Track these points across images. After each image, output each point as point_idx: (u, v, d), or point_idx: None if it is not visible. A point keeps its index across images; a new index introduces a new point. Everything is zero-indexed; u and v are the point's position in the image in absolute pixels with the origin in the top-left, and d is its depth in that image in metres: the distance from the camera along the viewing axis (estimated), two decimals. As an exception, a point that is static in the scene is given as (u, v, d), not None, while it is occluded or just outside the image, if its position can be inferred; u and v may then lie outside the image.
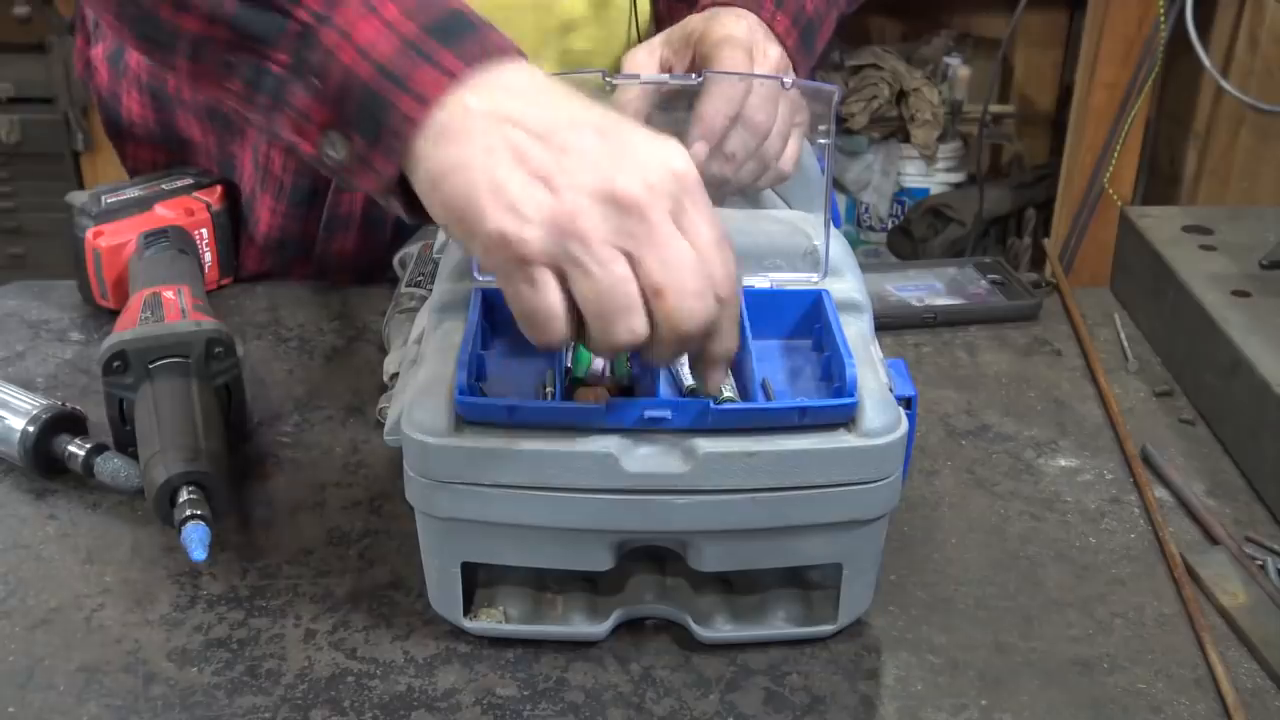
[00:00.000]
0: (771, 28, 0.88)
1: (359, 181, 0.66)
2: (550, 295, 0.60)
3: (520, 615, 0.73)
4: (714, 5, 0.88)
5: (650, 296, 0.60)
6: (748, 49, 0.83)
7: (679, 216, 0.60)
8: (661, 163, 0.61)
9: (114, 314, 0.98)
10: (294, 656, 0.71)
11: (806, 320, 0.75)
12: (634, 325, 0.60)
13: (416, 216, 0.68)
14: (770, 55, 0.85)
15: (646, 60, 0.87)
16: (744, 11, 0.87)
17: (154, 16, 0.70)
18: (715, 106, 0.79)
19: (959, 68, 2.60)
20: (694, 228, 0.61)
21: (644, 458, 0.66)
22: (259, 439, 0.91)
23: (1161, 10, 2.02)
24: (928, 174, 2.65)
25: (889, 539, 0.72)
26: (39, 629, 0.73)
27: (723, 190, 0.83)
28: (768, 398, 0.68)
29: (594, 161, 0.60)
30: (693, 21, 0.87)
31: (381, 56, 0.64)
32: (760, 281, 0.75)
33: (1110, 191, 2.16)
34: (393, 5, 0.65)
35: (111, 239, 1.04)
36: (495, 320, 0.74)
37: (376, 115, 0.64)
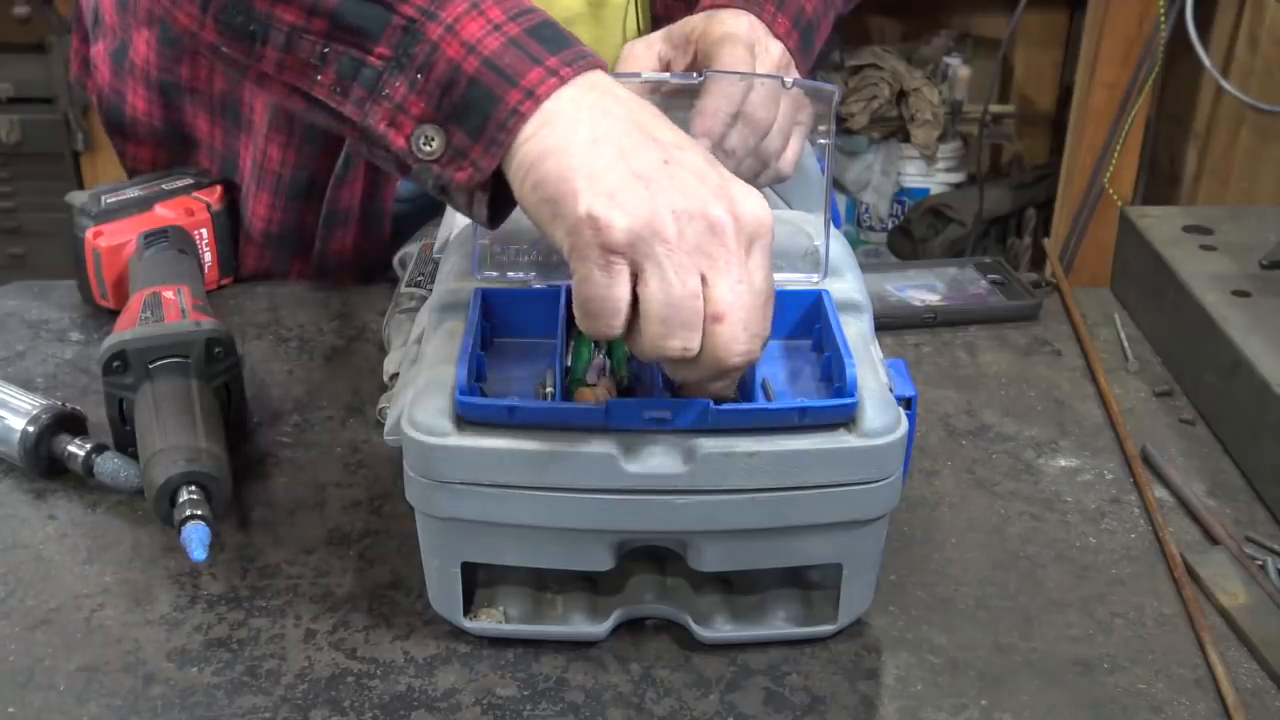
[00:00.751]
0: (772, 29, 0.88)
1: (452, 174, 0.67)
2: (620, 287, 0.61)
3: (520, 615, 0.73)
4: (714, 5, 0.88)
5: (710, 319, 0.62)
6: (749, 45, 0.83)
7: (750, 257, 0.63)
8: (751, 203, 0.63)
9: (114, 314, 0.98)
10: (294, 656, 0.71)
11: (806, 320, 0.75)
12: (689, 340, 0.62)
13: (496, 221, 0.70)
14: (772, 52, 0.85)
15: (644, 53, 0.87)
16: (744, 10, 0.87)
17: (250, 7, 0.70)
18: (716, 104, 0.79)
19: (959, 68, 2.60)
20: (758, 271, 0.63)
21: (644, 458, 0.65)
22: (259, 439, 0.91)
23: (1161, 10, 2.02)
24: (928, 174, 2.64)
25: (889, 539, 0.72)
26: (39, 629, 0.73)
27: None
28: (768, 398, 0.68)
29: (695, 180, 0.63)
30: (693, 20, 0.87)
31: (489, 52, 0.66)
32: (760, 281, 0.75)
33: (1110, 191, 2.16)
34: (497, 8, 0.67)
35: (111, 239, 1.04)
36: (495, 320, 0.74)
37: (484, 109, 0.65)
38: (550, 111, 0.65)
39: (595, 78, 0.66)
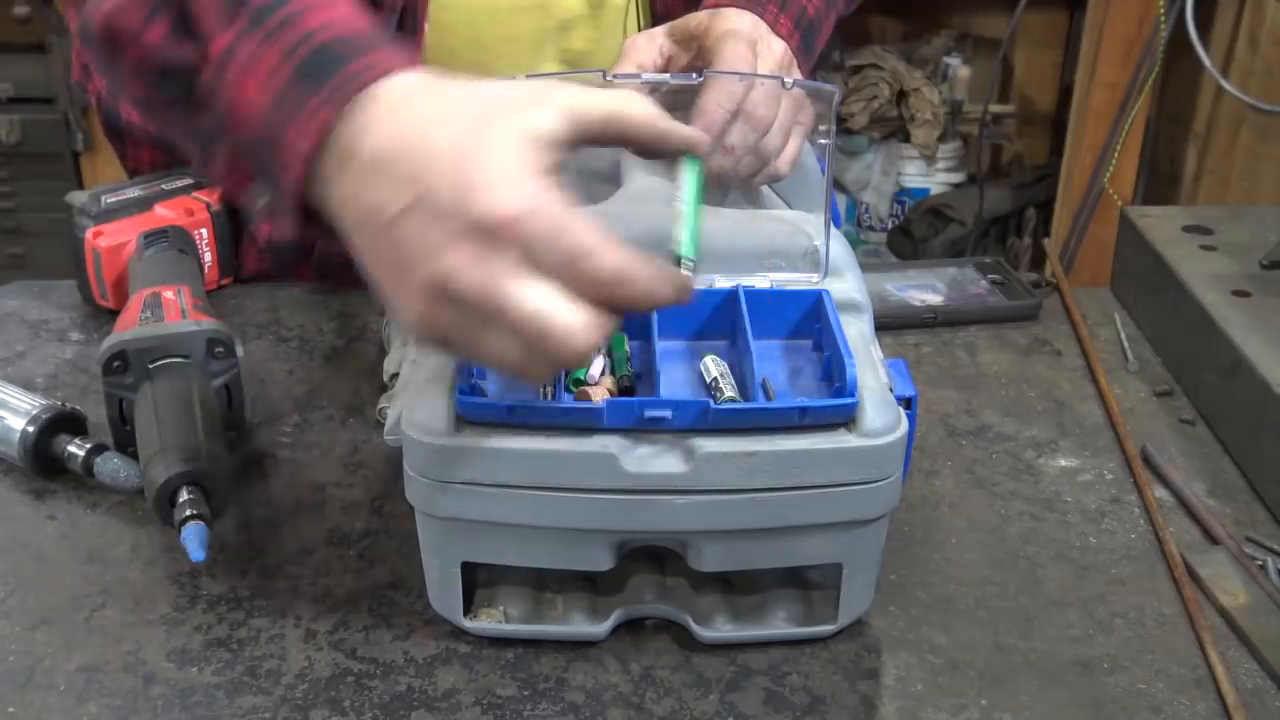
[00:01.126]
0: (774, 30, 0.88)
1: (285, 229, 0.67)
2: (472, 352, 0.60)
3: (520, 615, 0.73)
4: (718, 4, 0.88)
5: (533, 343, 0.59)
6: (751, 42, 0.83)
7: (503, 268, 0.58)
8: (496, 199, 0.58)
9: (114, 314, 0.98)
10: (294, 656, 0.71)
11: (807, 320, 0.75)
12: (541, 372, 0.60)
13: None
14: (775, 49, 0.86)
15: (646, 46, 0.87)
16: (746, 10, 0.87)
17: (112, 79, 0.75)
18: (716, 101, 0.79)
19: (959, 68, 2.60)
20: (514, 291, 0.58)
21: (644, 458, 0.66)
22: (259, 439, 0.91)
23: (1161, 10, 2.02)
24: (928, 174, 2.65)
25: (889, 539, 0.72)
26: (39, 629, 0.73)
27: (722, 183, 0.83)
28: (768, 398, 0.68)
29: (427, 241, 0.58)
30: (697, 16, 0.87)
31: (262, 113, 0.64)
32: (760, 281, 0.75)
33: (1110, 191, 2.16)
34: (273, 51, 0.65)
35: (111, 239, 1.03)
36: None
37: (271, 173, 0.65)
38: (324, 176, 0.63)
39: (359, 109, 0.62)
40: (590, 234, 0.58)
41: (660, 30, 0.88)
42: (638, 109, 0.63)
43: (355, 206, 0.61)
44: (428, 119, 0.60)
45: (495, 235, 0.57)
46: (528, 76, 0.73)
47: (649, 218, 0.76)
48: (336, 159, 0.62)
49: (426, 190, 0.58)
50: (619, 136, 0.63)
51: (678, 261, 0.65)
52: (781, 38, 0.88)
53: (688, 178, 0.66)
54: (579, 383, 0.70)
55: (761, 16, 0.87)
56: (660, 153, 0.65)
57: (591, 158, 0.85)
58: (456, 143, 0.58)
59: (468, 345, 0.60)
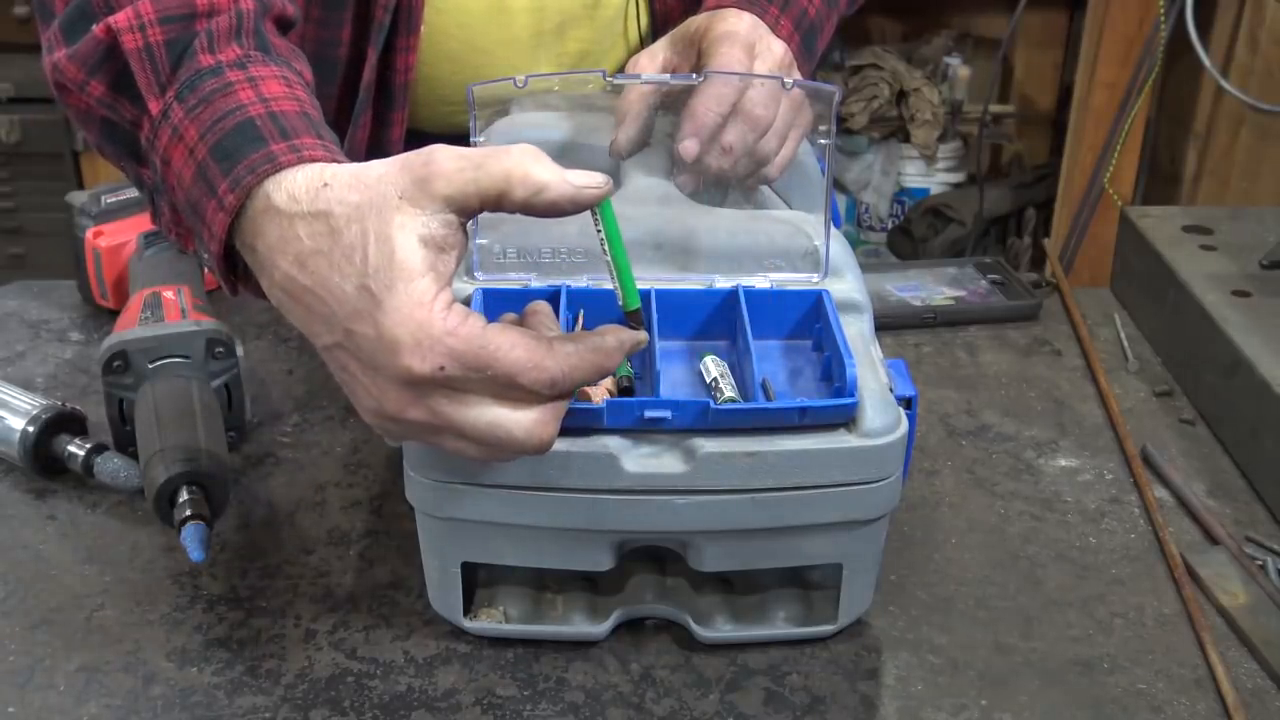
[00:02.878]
0: (775, 32, 0.88)
1: (229, 288, 0.69)
2: (474, 432, 0.60)
3: (520, 615, 0.73)
4: (718, 5, 0.88)
5: (492, 451, 0.60)
6: (748, 45, 0.83)
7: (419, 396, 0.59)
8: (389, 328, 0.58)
9: (114, 314, 0.98)
10: (294, 656, 0.71)
11: (807, 320, 0.75)
12: (502, 457, 0.61)
13: None
14: (774, 50, 0.85)
15: (649, 66, 0.87)
16: (746, 11, 0.87)
17: (73, 119, 0.75)
18: (707, 105, 0.79)
19: (959, 68, 2.60)
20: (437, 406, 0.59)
21: (644, 458, 0.66)
22: (259, 439, 0.91)
23: (1161, 10, 2.02)
24: (928, 174, 2.65)
25: (889, 539, 0.72)
26: (39, 629, 0.73)
27: (720, 184, 0.83)
28: (768, 398, 0.68)
29: (359, 381, 0.60)
30: (696, 20, 0.87)
31: (185, 185, 0.66)
32: (760, 281, 0.75)
33: (1110, 191, 2.16)
34: (193, 127, 0.66)
35: (111, 239, 1.04)
36: (495, 320, 0.74)
37: (200, 240, 0.66)
38: (239, 242, 0.64)
39: (261, 201, 0.62)
40: (515, 353, 0.58)
41: (661, 44, 0.88)
42: (537, 175, 0.59)
43: (286, 313, 0.62)
44: (318, 253, 0.59)
45: (424, 386, 0.58)
46: (526, 78, 0.73)
47: (649, 218, 0.76)
48: (252, 252, 0.63)
49: (347, 337, 0.59)
50: (519, 207, 0.59)
51: (631, 315, 0.66)
52: (782, 39, 0.87)
53: (605, 226, 0.64)
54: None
55: (762, 18, 0.87)
56: (570, 213, 0.61)
57: (590, 158, 0.85)
58: (359, 291, 0.58)
59: (426, 443, 0.61)
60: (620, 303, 0.65)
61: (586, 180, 0.60)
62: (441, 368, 0.57)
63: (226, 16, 0.70)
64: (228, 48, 0.69)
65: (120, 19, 0.69)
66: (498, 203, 0.59)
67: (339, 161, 0.63)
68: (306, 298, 0.60)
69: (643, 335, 0.63)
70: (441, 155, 0.59)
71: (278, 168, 0.62)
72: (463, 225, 0.60)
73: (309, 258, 0.59)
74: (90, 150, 2.47)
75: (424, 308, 0.57)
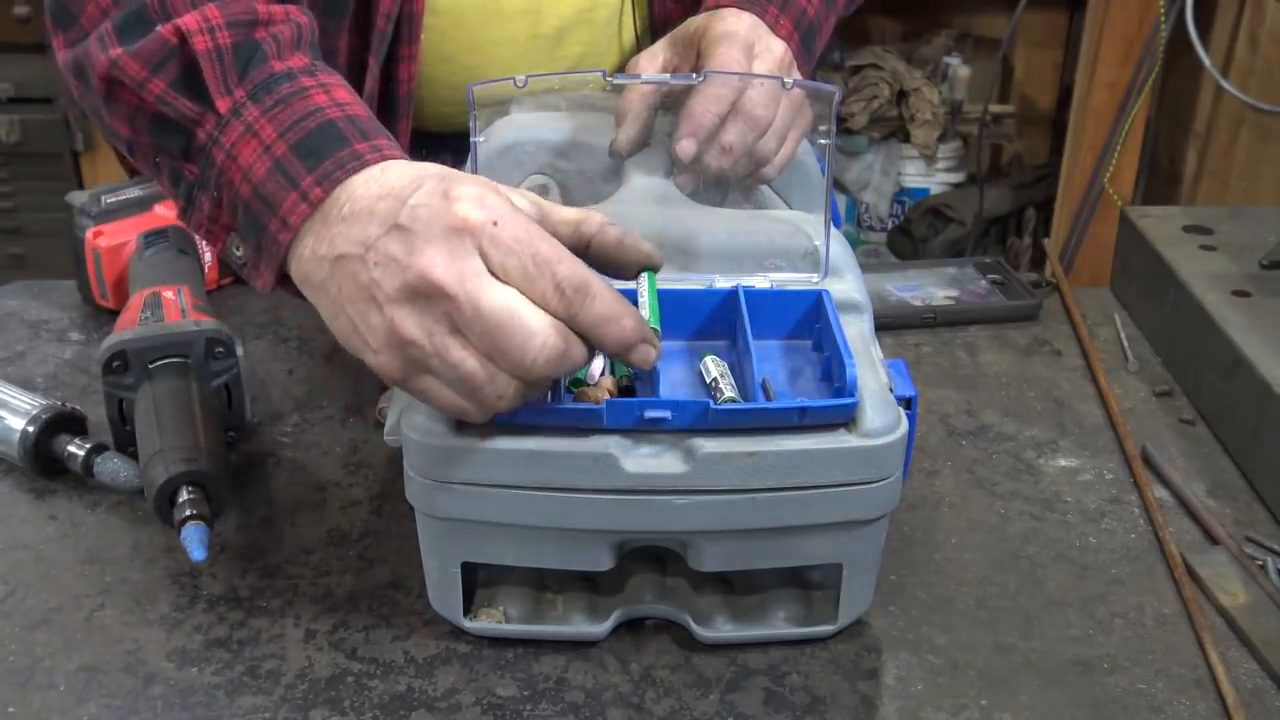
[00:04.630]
0: (774, 31, 0.87)
1: (254, 280, 0.72)
2: (442, 393, 0.63)
3: (520, 615, 0.73)
4: (717, 5, 0.88)
5: (498, 362, 0.62)
6: (746, 46, 0.83)
7: (479, 285, 0.61)
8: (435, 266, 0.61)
9: (114, 314, 0.98)
10: (294, 656, 0.71)
11: (807, 320, 0.75)
12: (499, 392, 0.62)
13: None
14: (774, 49, 0.85)
15: (649, 66, 0.87)
16: (746, 11, 0.87)
17: (99, 115, 0.78)
18: (705, 105, 0.79)
19: (959, 68, 2.60)
20: (500, 277, 0.61)
21: (644, 458, 0.66)
22: (259, 439, 0.91)
23: (1161, 10, 2.02)
24: (928, 174, 2.65)
25: (889, 539, 0.72)
26: (39, 629, 0.73)
27: (720, 184, 0.83)
28: (768, 398, 0.68)
29: (396, 261, 0.62)
30: (695, 20, 0.87)
31: (257, 178, 0.69)
32: (760, 281, 0.75)
33: (1110, 191, 2.16)
34: (270, 126, 0.70)
35: (111, 239, 1.04)
36: None
37: (258, 232, 0.69)
38: (306, 248, 0.67)
39: (347, 189, 0.66)
40: (558, 247, 0.61)
41: (660, 45, 0.88)
42: (597, 227, 0.65)
43: (316, 271, 0.66)
44: (387, 197, 0.64)
45: (466, 239, 0.61)
46: (526, 78, 0.73)
47: (649, 218, 0.76)
48: (314, 224, 0.67)
49: (407, 213, 0.62)
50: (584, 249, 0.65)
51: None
52: (781, 38, 0.87)
53: (648, 291, 0.68)
54: (579, 383, 0.70)
55: (761, 17, 0.87)
56: (618, 271, 0.66)
57: (590, 158, 0.85)
58: (429, 180, 0.63)
59: (420, 371, 0.63)
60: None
61: (648, 247, 0.67)
62: (495, 221, 0.60)
63: (287, 27, 0.74)
64: (293, 56, 0.73)
65: (189, 21, 0.72)
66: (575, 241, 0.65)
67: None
68: (374, 208, 0.63)
69: (653, 353, 0.65)
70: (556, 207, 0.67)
71: (364, 164, 0.67)
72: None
73: (378, 203, 0.64)
74: (91, 151, 2.47)
75: (494, 189, 0.62)
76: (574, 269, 0.61)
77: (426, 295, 0.60)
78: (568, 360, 0.61)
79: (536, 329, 0.60)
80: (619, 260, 0.66)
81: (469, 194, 0.61)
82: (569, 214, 0.66)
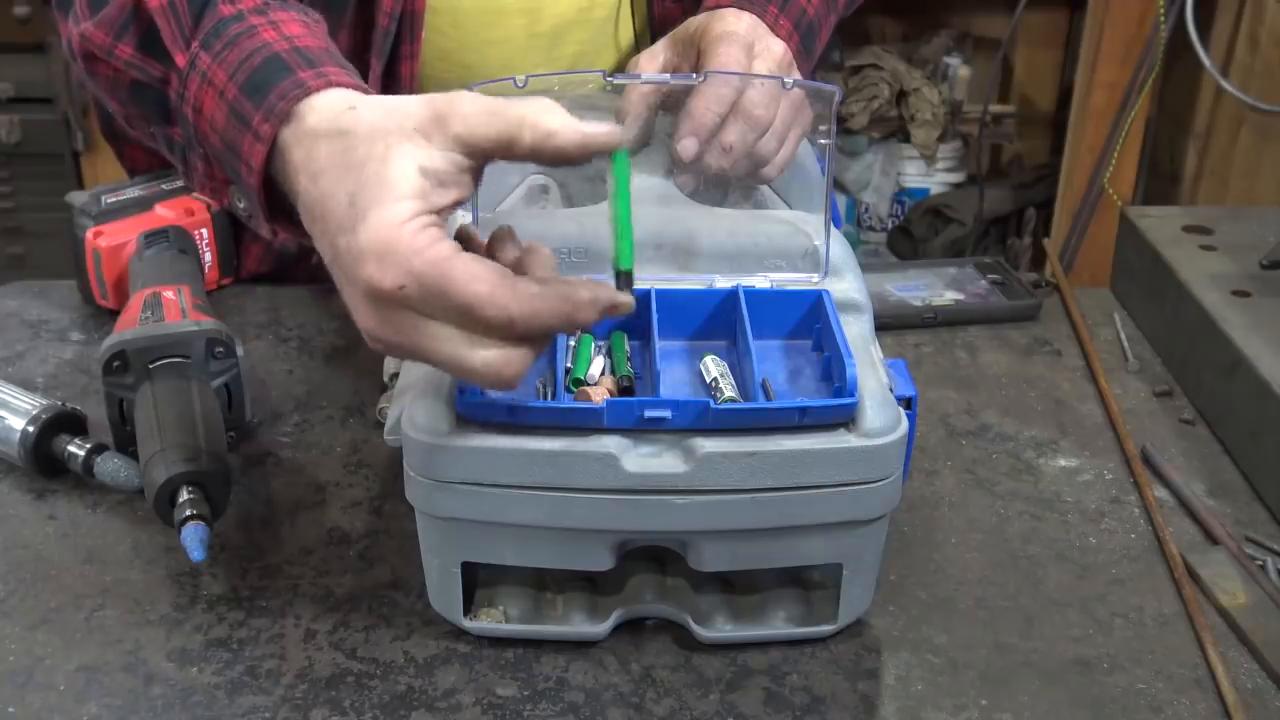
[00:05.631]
0: (774, 31, 0.87)
1: (262, 229, 0.71)
2: (436, 358, 0.60)
3: (520, 615, 0.73)
4: (717, 5, 0.88)
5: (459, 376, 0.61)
6: (746, 45, 0.83)
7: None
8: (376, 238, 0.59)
9: (114, 314, 0.98)
10: (294, 656, 0.71)
11: (807, 320, 0.75)
12: (489, 366, 0.59)
13: None
14: (774, 49, 0.85)
15: (649, 65, 0.87)
16: (746, 11, 0.87)
17: (94, 89, 0.78)
18: (706, 104, 0.79)
19: (959, 68, 2.60)
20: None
21: (644, 458, 0.66)
22: (259, 439, 0.91)
23: (1161, 10, 2.02)
24: (928, 174, 2.65)
25: (889, 539, 0.72)
26: (39, 629, 0.73)
27: (720, 184, 0.83)
28: (768, 398, 0.68)
29: (346, 295, 0.61)
30: (695, 20, 0.87)
31: (219, 127, 0.68)
32: (760, 281, 0.75)
33: (1110, 191, 2.16)
34: (221, 70, 0.69)
35: (111, 239, 1.04)
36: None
37: (238, 180, 0.69)
38: (274, 172, 0.66)
39: (294, 127, 0.65)
40: (475, 285, 0.57)
41: (660, 45, 0.88)
42: (547, 121, 0.60)
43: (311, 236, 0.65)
44: (329, 170, 0.62)
45: (388, 303, 0.59)
46: (527, 78, 0.73)
47: (649, 218, 0.76)
48: (288, 175, 0.65)
49: (334, 252, 0.61)
50: (528, 154, 0.60)
51: (619, 275, 0.63)
52: (781, 38, 0.87)
53: (616, 179, 0.63)
54: (579, 383, 0.70)
55: (761, 17, 0.87)
56: (579, 161, 0.61)
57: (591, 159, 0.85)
58: (349, 205, 0.60)
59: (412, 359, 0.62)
60: (612, 259, 0.63)
61: (596, 129, 0.60)
62: (402, 286, 0.58)
63: None
64: None
65: None
66: (509, 147, 0.60)
67: (367, 92, 0.66)
68: (316, 211, 0.62)
69: (624, 298, 0.61)
70: (465, 97, 0.61)
71: (308, 92, 0.65)
72: (471, 170, 0.61)
73: (321, 173, 0.62)
74: (91, 151, 2.47)
75: (397, 226, 0.58)
76: (498, 308, 0.58)
77: (371, 336, 0.61)
78: (530, 359, 0.60)
79: (487, 366, 0.59)
80: (578, 159, 0.62)
81: (372, 249, 0.58)
82: (494, 129, 0.60)
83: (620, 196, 0.63)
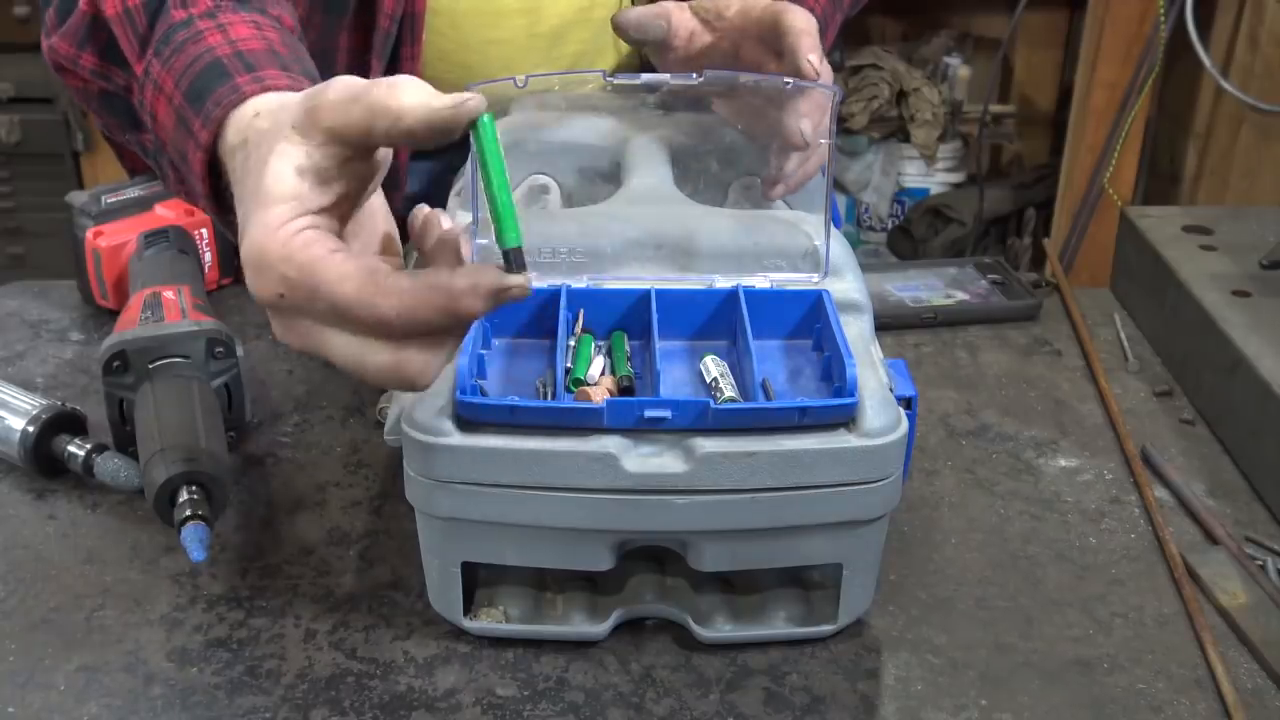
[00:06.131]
0: None
1: (231, 236, 0.69)
2: (338, 363, 0.58)
3: (520, 615, 0.73)
4: None
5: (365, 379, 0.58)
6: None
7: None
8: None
9: (114, 314, 0.98)
10: (294, 656, 0.71)
11: (807, 320, 0.75)
12: (383, 370, 0.57)
13: None
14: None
15: (676, 12, 0.86)
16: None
17: (76, 100, 0.78)
18: (800, 126, 0.78)
19: (959, 68, 2.60)
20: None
21: (644, 458, 0.66)
22: (259, 439, 0.91)
23: (1161, 10, 2.02)
24: (928, 174, 2.65)
25: (889, 539, 0.72)
26: (39, 629, 0.73)
27: (720, 183, 0.83)
28: (768, 398, 0.68)
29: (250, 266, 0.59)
30: (755, 3, 0.84)
31: (169, 135, 0.68)
32: (760, 281, 0.75)
33: (1110, 191, 2.16)
34: (169, 76, 0.69)
35: (111, 239, 1.04)
36: (495, 320, 0.74)
37: (192, 190, 0.69)
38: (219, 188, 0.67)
39: (223, 139, 0.64)
40: (343, 286, 0.55)
41: (684, 6, 0.87)
42: (397, 102, 0.55)
43: None
44: (237, 183, 0.61)
45: (276, 310, 0.57)
46: (527, 78, 0.73)
47: (649, 218, 0.76)
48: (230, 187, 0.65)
49: (242, 262, 0.59)
50: (385, 140, 0.57)
51: (507, 254, 0.57)
52: None
53: (481, 148, 0.57)
54: (579, 383, 0.70)
55: None
56: (438, 140, 0.56)
57: (591, 159, 0.85)
58: (241, 220, 0.59)
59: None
60: (502, 242, 0.57)
61: (443, 101, 0.56)
62: (280, 294, 0.56)
63: None
64: (198, 2, 0.71)
65: None
66: (369, 136, 0.56)
67: (299, 90, 0.63)
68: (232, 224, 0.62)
69: (515, 280, 0.56)
70: (335, 85, 0.57)
71: (243, 97, 0.64)
72: (353, 160, 0.57)
73: (236, 186, 0.61)
74: (91, 151, 2.47)
75: (270, 232, 0.56)
76: (367, 307, 0.55)
77: (286, 341, 0.60)
78: (432, 359, 0.57)
79: (381, 370, 0.57)
80: (446, 136, 0.57)
81: (250, 259, 0.56)
82: (356, 118, 0.56)
83: (490, 168, 0.57)
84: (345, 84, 0.57)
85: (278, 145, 0.57)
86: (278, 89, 0.64)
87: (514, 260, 0.57)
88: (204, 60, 0.67)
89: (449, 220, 0.59)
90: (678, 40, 0.86)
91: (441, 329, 0.56)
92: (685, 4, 0.87)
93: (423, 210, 0.59)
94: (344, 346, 0.57)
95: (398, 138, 0.56)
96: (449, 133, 0.56)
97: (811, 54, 0.77)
